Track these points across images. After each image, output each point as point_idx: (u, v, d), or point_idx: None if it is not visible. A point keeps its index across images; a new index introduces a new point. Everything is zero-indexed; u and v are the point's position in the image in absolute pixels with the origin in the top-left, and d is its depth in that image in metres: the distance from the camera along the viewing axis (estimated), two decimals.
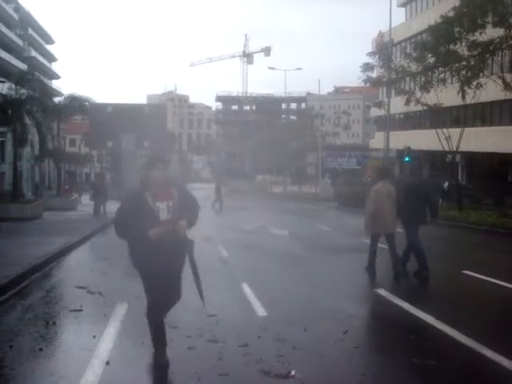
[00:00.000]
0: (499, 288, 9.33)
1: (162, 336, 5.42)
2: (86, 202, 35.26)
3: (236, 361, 5.55)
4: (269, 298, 8.47)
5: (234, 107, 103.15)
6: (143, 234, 5.07)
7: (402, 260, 10.40)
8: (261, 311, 7.56)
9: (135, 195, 5.37)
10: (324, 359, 5.69)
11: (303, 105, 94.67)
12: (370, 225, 10.20)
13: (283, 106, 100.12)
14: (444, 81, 24.68)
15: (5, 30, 49.77)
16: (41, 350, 5.92)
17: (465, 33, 21.83)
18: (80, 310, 7.65)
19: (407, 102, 25.94)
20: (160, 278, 5.26)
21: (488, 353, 5.69)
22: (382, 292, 8.75)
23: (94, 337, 6.28)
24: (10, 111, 27.22)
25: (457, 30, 21.90)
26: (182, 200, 5.35)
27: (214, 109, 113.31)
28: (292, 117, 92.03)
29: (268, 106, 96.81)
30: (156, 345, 5.42)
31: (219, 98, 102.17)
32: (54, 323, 7.09)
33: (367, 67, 27.29)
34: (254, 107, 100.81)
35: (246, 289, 8.99)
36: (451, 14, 22.29)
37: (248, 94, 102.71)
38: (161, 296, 5.37)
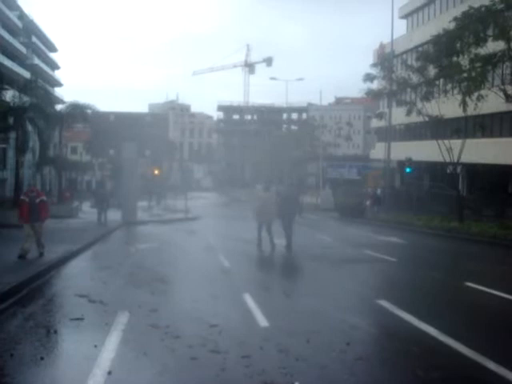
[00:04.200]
0: (502, 300, 9.30)
1: None
2: (86, 209, 35.25)
3: (238, 372, 5.51)
4: (271, 308, 8.44)
5: (236, 117, 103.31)
6: None
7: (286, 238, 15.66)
8: (263, 322, 7.52)
9: None
10: (326, 371, 5.65)
11: (304, 115, 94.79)
12: (256, 216, 16.17)
13: (284, 116, 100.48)
14: (446, 92, 24.67)
15: (8, 38, 49.89)
16: (42, 358, 5.88)
17: (467, 46, 21.88)
18: (81, 319, 7.61)
19: (408, 113, 25.98)
20: None
21: (492, 366, 5.66)
22: (385, 303, 8.72)
23: (96, 346, 6.25)
24: (12, 118, 27.25)
25: (458, 44, 21.94)
26: None
27: (215, 118, 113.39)
28: (293, 127, 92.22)
29: (269, 116, 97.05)
30: None
31: (221, 108, 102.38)
32: (55, 332, 7.04)
33: (368, 77, 27.40)
34: (255, 117, 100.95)
35: (248, 299, 8.95)
36: (452, 25, 22.33)
37: (249, 104, 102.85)
38: None
